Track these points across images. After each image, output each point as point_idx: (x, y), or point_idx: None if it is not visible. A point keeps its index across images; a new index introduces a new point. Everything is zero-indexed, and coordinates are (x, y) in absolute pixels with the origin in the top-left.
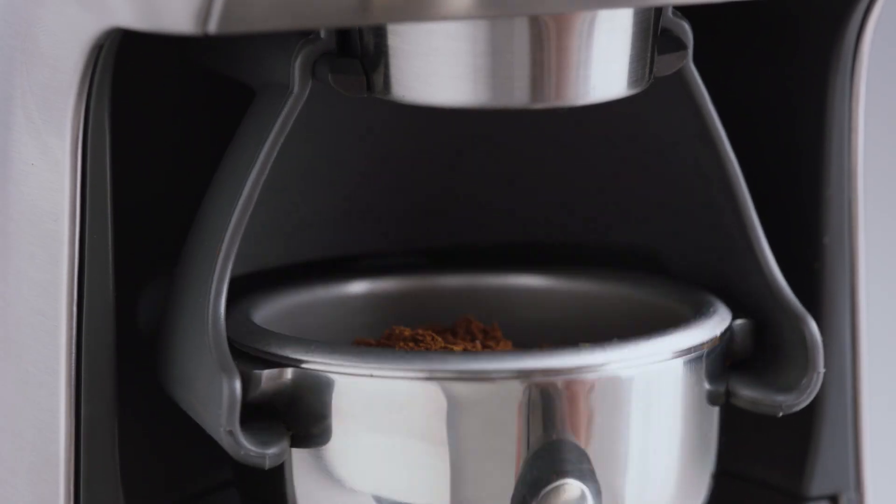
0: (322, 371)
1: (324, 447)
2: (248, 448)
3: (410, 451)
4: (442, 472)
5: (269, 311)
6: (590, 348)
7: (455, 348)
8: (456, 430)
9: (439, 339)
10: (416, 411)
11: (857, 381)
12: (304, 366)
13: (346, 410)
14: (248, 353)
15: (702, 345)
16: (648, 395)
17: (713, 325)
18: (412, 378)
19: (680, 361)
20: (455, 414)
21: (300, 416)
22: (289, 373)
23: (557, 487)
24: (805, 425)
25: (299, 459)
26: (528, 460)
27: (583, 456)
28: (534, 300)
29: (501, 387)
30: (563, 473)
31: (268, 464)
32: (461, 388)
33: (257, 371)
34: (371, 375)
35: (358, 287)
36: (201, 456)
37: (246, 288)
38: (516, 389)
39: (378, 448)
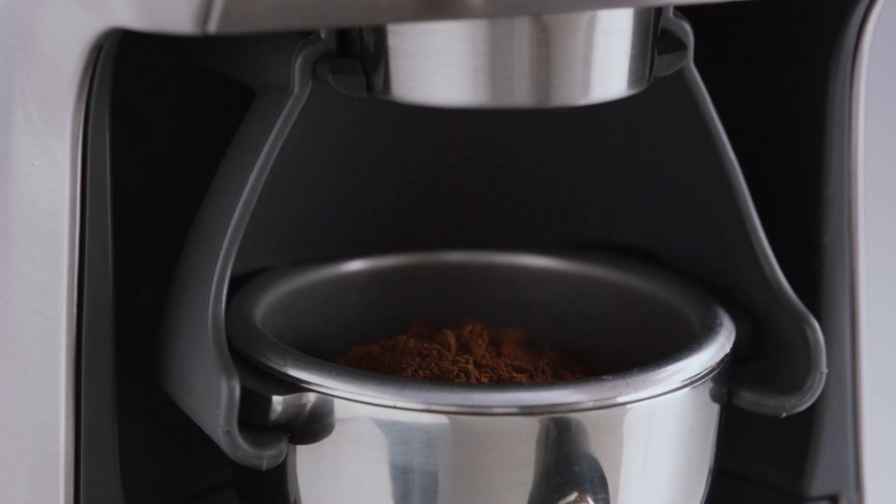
0: (346, 399)
1: (324, 450)
2: (245, 449)
3: (419, 478)
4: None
5: (269, 298)
6: (598, 382)
7: (461, 359)
8: (470, 462)
9: (446, 353)
10: (441, 444)
11: (857, 381)
12: (325, 392)
13: (356, 435)
14: (259, 367)
15: (710, 369)
16: (655, 423)
17: (720, 345)
18: (439, 412)
19: (688, 388)
20: (469, 447)
21: (308, 434)
22: (310, 398)
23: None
24: (805, 425)
25: (298, 460)
26: (537, 485)
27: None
28: (530, 280)
29: (519, 422)
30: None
31: (265, 465)
32: (475, 423)
33: (277, 396)
34: (395, 407)
35: (356, 265)
36: (201, 456)
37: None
38: (525, 424)
39: (382, 471)
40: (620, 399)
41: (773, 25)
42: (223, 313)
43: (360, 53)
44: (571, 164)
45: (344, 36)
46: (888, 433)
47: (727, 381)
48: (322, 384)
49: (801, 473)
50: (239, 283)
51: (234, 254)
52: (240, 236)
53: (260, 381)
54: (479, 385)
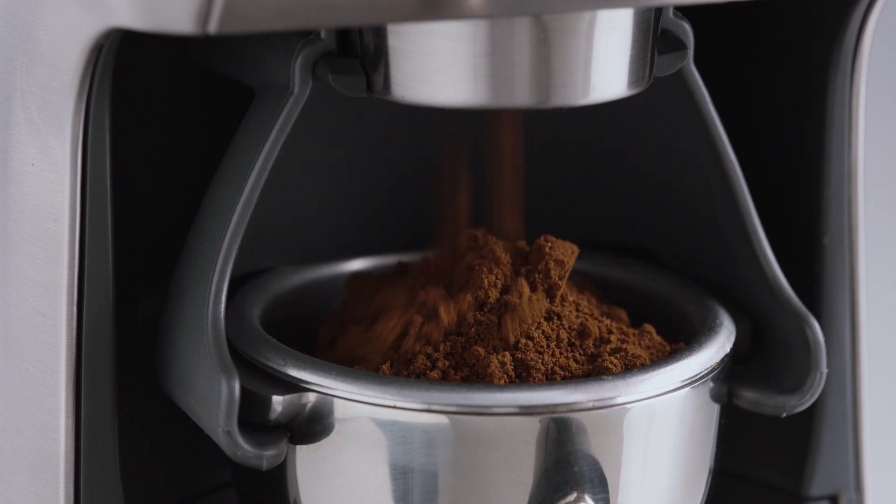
0: (346, 399)
1: (324, 450)
2: (245, 449)
3: (419, 478)
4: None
5: (269, 298)
6: (598, 382)
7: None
8: (470, 462)
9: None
10: (441, 443)
11: (857, 381)
12: (325, 392)
13: (356, 435)
14: (259, 367)
15: (710, 369)
16: (655, 423)
17: (720, 345)
18: (439, 412)
19: (688, 388)
20: (469, 447)
21: (308, 434)
22: (310, 398)
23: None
24: (805, 425)
25: (298, 460)
26: (537, 485)
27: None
28: None
29: (516, 421)
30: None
31: (265, 465)
32: (475, 423)
33: (277, 396)
34: (395, 407)
35: (356, 265)
36: (201, 456)
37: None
38: (525, 424)
39: (382, 471)
40: (620, 399)
41: (772, 25)
42: (223, 313)
43: (360, 53)
44: (572, 164)
45: (344, 36)
46: (888, 433)
47: (727, 380)
48: (322, 384)
49: (801, 473)
50: (239, 283)
51: (234, 254)
52: (240, 236)
53: (260, 381)
54: (479, 385)
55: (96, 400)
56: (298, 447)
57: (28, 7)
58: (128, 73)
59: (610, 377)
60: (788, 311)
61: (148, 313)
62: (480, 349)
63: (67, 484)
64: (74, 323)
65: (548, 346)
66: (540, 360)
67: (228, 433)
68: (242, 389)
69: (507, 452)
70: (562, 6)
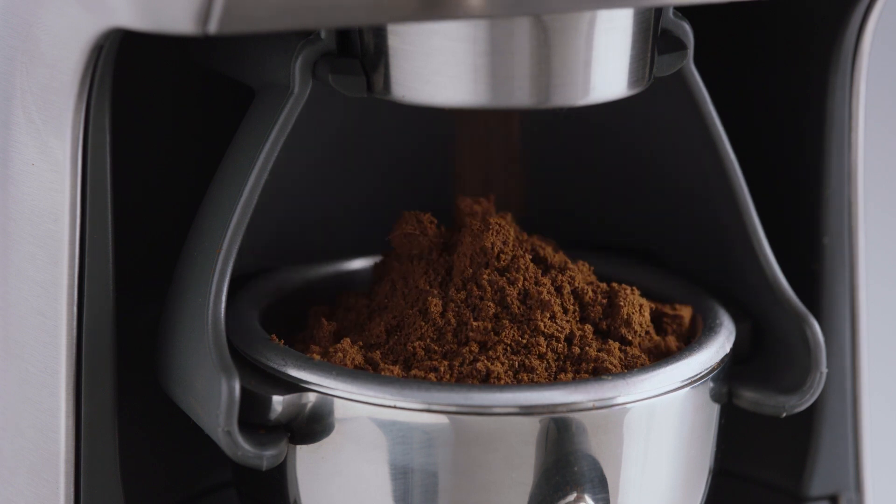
0: (346, 399)
1: (324, 450)
2: (245, 449)
3: (419, 477)
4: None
5: (269, 298)
6: (598, 382)
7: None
8: (470, 462)
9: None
10: (440, 443)
11: (857, 381)
12: (325, 392)
13: (356, 435)
14: (259, 367)
15: (710, 369)
16: (656, 423)
17: (720, 344)
18: (439, 412)
19: (688, 388)
20: (469, 447)
21: (308, 434)
22: (310, 398)
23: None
24: (805, 425)
25: (298, 460)
26: (537, 485)
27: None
28: None
29: (515, 421)
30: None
31: (265, 465)
32: (475, 423)
33: (277, 396)
34: (395, 407)
35: (356, 265)
36: (201, 456)
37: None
38: (525, 424)
39: (382, 471)
40: (620, 399)
41: (772, 25)
42: (223, 313)
43: (360, 53)
44: (571, 164)
45: (344, 36)
46: (888, 433)
47: (727, 380)
48: (322, 384)
49: (801, 473)
50: (239, 283)
51: (234, 254)
52: (240, 236)
53: (260, 381)
54: (479, 385)
55: (96, 400)
56: (298, 447)
57: (28, 7)
58: (128, 73)
59: (610, 377)
60: (788, 311)
61: (148, 313)
62: (483, 358)
63: (67, 484)
64: (74, 323)
65: (548, 346)
66: (542, 365)
67: (228, 433)
68: (242, 389)
69: (507, 452)
70: (562, 6)
